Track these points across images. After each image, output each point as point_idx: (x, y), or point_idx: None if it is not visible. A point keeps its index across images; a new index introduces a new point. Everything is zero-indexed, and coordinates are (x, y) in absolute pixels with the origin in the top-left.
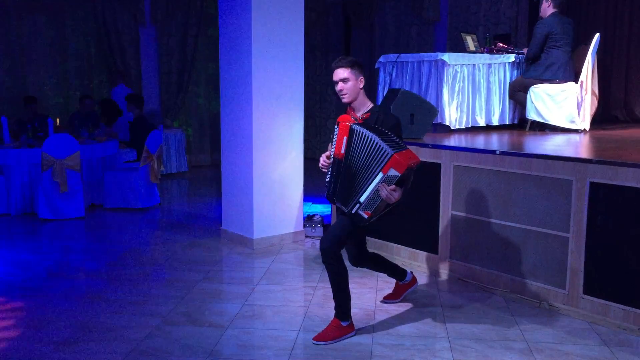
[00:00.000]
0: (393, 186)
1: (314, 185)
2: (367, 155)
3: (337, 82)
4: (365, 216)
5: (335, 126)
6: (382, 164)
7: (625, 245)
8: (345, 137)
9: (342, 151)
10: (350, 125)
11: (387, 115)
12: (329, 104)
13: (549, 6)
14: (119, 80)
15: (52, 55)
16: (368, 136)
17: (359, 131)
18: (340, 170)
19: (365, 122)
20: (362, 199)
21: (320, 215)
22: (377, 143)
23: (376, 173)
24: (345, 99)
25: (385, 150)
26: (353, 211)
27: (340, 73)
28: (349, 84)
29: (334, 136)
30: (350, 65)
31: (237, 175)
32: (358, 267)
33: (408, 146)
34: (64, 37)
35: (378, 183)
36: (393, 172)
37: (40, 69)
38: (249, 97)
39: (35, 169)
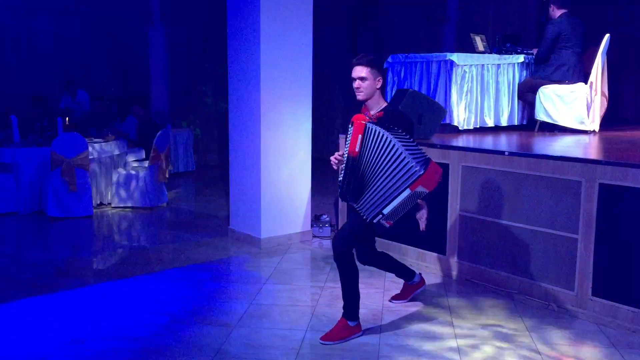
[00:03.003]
0: (424, 212)
1: (322, 186)
2: (386, 160)
3: (354, 79)
4: (387, 225)
5: (350, 126)
6: (410, 181)
7: (635, 247)
8: (359, 135)
9: (357, 149)
10: (365, 124)
11: (400, 114)
12: (337, 104)
13: (558, 7)
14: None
15: (60, 54)
16: (384, 137)
17: (374, 130)
18: (355, 169)
19: (380, 121)
20: (385, 211)
21: (328, 215)
22: (399, 152)
23: (402, 188)
24: (360, 97)
25: (412, 167)
26: (375, 221)
27: (359, 71)
28: (366, 82)
29: (348, 136)
30: (370, 64)
31: (245, 175)
32: (366, 266)
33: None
34: (73, 36)
35: (404, 198)
36: (421, 189)
37: (48, 69)
38: (257, 97)
39: (45, 167)
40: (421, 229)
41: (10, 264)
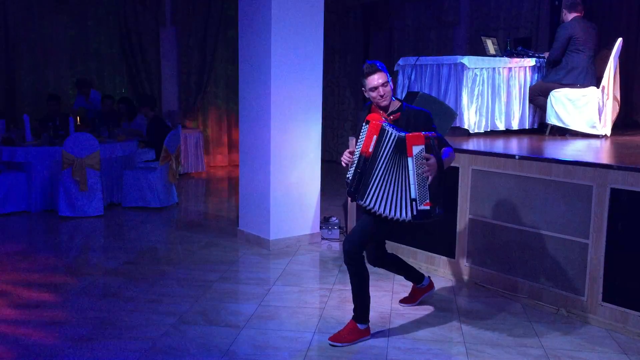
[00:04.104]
0: (424, 159)
1: (331, 188)
2: (393, 154)
3: (376, 88)
4: (428, 207)
5: (364, 125)
6: (405, 150)
7: None
8: (375, 136)
9: (370, 149)
10: (382, 125)
11: (416, 111)
12: (347, 107)
13: (569, 11)
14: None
15: (73, 54)
16: (396, 138)
17: (390, 132)
18: (366, 168)
19: (396, 124)
20: (413, 195)
21: (337, 218)
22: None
23: (405, 162)
24: (385, 102)
25: (399, 137)
26: (415, 213)
27: (382, 77)
28: (388, 87)
29: (362, 134)
30: (386, 70)
31: (255, 176)
32: (376, 267)
33: None
34: (86, 36)
35: (414, 170)
36: (417, 148)
37: (61, 69)
38: (268, 99)
39: (56, 166)
40: (424, 173)
41: (21, 263)
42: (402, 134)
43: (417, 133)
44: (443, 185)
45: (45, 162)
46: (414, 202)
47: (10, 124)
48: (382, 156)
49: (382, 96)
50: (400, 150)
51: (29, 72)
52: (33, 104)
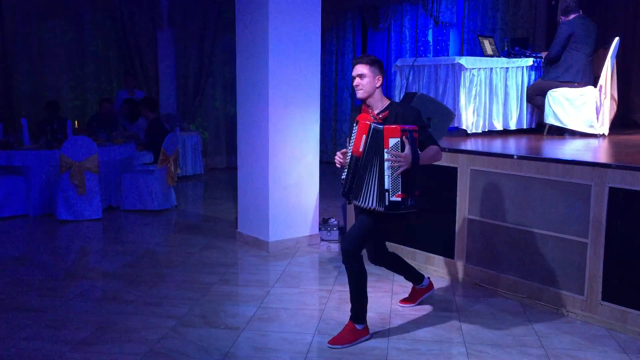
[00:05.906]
0: (397, 152)
1: (330, 189)
2: (377, 150)
3: (354, 77)
4: (399, 199)
5: (354, 124)
6: (382, 142)
7: None
8: (364, 136)
9: (361, 149)
10: (371, 124)
11: (405, 108)
12: (345, 108)
13: (565, 16)
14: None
15: (70, 57)
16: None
17: (380, 130)
18: (357, 168)
19: (385, 122)
20: (386, 186)
21: (336, 219)
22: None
23: (382, 154)
24: (360, 94)
25: (377, 129)
26: (387, 203)
27: (359, 69)
28: (365, 80)
29: (352, 135)
30: (370, 63)
31: (253, 178)
32: (375, 269)
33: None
34: (82, 39)
35: (390, 162)
36: (393, 140)
37: (58, 72)
38: (266, 101)
39: (54, 170)
40: (394, 164)
41: (20, 267)
42: (380, 126)
43: (394, 125)
44: (419, 179)
45: (43, 166)
46: (386, 193)
47: (8, 128)
48: (372, 155)
49: (356, 86)
50: (380, 142)
51: (26, 76)
52: (31, 108)
